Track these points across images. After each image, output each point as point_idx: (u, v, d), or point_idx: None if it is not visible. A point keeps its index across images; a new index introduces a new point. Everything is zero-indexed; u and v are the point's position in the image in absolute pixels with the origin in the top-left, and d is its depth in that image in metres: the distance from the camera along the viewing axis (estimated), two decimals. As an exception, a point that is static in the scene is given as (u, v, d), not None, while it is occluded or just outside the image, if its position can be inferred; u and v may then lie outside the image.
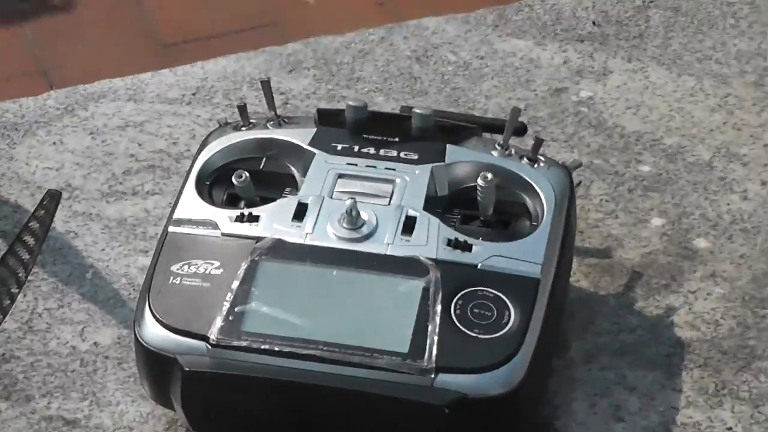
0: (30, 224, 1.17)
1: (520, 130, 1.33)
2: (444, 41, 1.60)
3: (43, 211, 1.19)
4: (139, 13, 2.78)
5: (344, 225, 1.27)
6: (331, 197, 1.30)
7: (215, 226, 1.30)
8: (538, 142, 1.33)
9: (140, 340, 1.27)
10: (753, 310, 1.39)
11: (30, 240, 1.17)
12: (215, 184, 1.34)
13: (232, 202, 1.32)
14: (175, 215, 1.32)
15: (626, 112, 1.49)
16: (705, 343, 1.37)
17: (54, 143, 1.55)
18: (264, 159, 1.34)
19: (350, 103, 1.35)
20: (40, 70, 2.52)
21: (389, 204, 1.30)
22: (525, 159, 1.33)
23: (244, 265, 1.26)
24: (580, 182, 1.37)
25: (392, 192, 1.31)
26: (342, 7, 2.57)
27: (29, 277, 1.16)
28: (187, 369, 1.23)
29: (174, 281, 1.26)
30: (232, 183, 1.33)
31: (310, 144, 1.36)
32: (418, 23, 1.64)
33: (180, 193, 1.34)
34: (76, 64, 2.35)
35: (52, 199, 1.20)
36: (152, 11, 2.84)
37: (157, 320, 1.25)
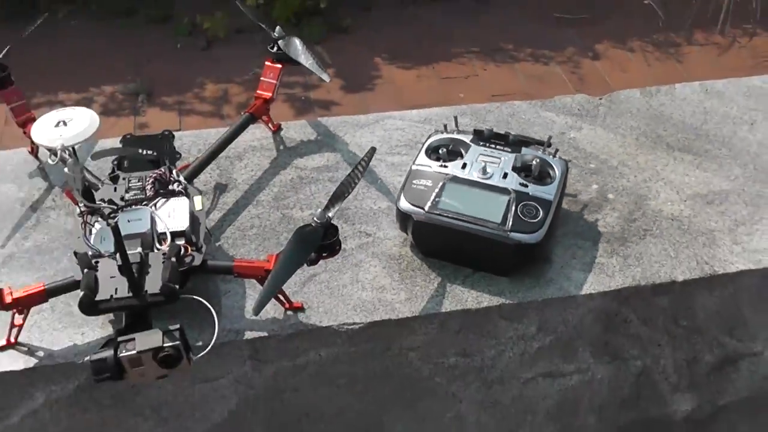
0: (361, 162, 1.19)
1: (548, 145, 1.31)
2: (520, 111, 1.60)
3: (366, 157, 1.19)
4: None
5: (480, 173, 1.27)
6: (476, 161, 1.28)
7: (431, 168, 1.30)
8: (555, 150, 1.32)
9: (398, 207, 1.28)
10: (628, 222, 1.37)
11: (360, 168, 1.18)
12: (431, 152, 1.33)
13: (437, 159, 1.30)
14: (416, 162, 1.32)
15: (587, 145, 1.50)
16: (609, 233, 1.35)
17: (372, 133, 1.55)
18: (451, 144, 1.32)
19: (486, 128, 1.33)
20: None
21: (498, 167, 1.28)
22: (551, 155, 1.31)
23: (440, 184, 1.27)
24: (569, 168, 1.34)
25: (500, 162, 1.29)
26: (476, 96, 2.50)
27: (359, 183, 1.16)
28: (416, 220, 1.24)
29: (412, 186, 1.27)
30: (438, 152, 1.30)
31: (470, 141, 1.34)
32: (511, 104, 1.63)
33: (417, 154, 1.35)
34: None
35: (372, 152, 1.22)
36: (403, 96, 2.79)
37: (406, 200, 1.26)
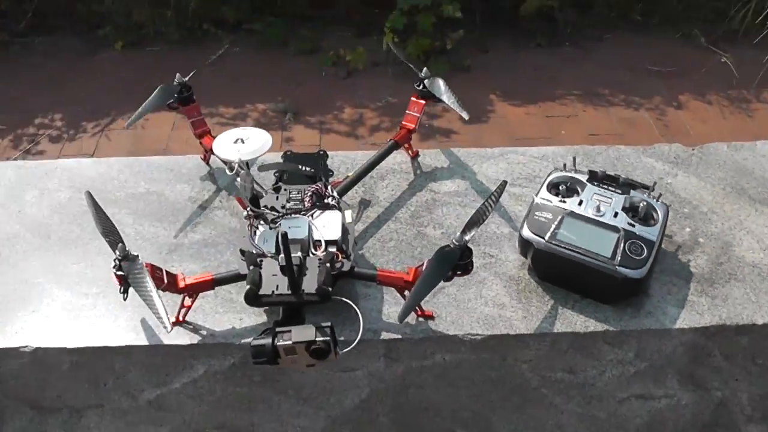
0: (494, 193, 1.19)
1: (652, 189, 1.30)
2: (625, 156, 1.59)
3: (498, 189, 1.20)
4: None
5: (595, 210, 1.27)
6: (591, 200, 1.29)
7: (551, 202, 1.31)
8: (659, 195, 1.32)
9: (521, 235, 1.28)
10: (716, 265, 1.35)
11: (493, 199, 1.18)
12: (552, 187, 1.34)
13: (557, 194, 1.31)
14: (538, 195, 1.33)
15: (681, 191, 1.49)
16: (699, 274, 1.33)
17: (496, 165, 1.54)
18: (569, 182, 1.33)
19: (599, 170, 1.34)
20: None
21: (610, 206, 1.28)
22: (655, 199, 1.30)
23: (559, 217, 1.28)
24: (669, 211, 1.32)
25: (612, 202, 1.29)
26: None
27: (493, 213, 1.17)
28: (536, 247, 1.25)
29: (534, 217, 1.28)
30: (558, 188, 1.32)
31: (586, 181, 1.34)
32: (617, 148, 1.61)
33: (540, 189, 1.35)
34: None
35: (503, 186, 1.21)
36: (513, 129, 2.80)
37: (528, 229, 1.27)
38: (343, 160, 1.57)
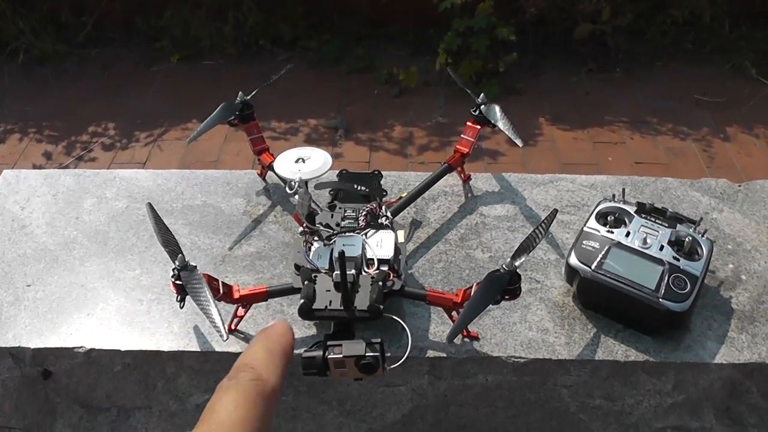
0: (544, 221, 1.19)
1: (697, 224, 1.34)
2: (672, 188, 1.61)
3: (549, 218, 1.20)
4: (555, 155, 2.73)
5: (641, 242, 1.30)
6: (638, 231, 1.31)
7: (599, 231, 1.33)
8: (704, 230, 1.33)
9: (568, 262, 1.31)
10: (757, 303, 1.33)
11: (543, 226, 1.18)
12: (600, 217, 1.36)
13: (605, 224, 1.34)
14: (587, 225, 1.35)
15: (726, 226, 1.49)
16: (740, 311, 1.34)
17: (546, 192, 1.57)
18: (618, 213, 1.36)
19: (647, 202, 1.37)
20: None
21: (656, 239, 1.31)
22: (700, 234, 1.32)
23: (606, 247, 1.30)
24: (713, 247, 1.33)
25: (658, 235, 1.32)
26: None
27: (541, 241, 1.18)
28: (582, 276, 1.27)
29: (582, 246, 1.31)
30: (606, 218, 1.34)
31: (634, 212, 1.37)
32: (665, 180, 1.62)
33: (589, 218, 1.37)
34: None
35: (554, 214, 1.21)
36: (560, 154, 2.82)
37: (575, 257, 1.30)
38: (396, 180, 1.61)
